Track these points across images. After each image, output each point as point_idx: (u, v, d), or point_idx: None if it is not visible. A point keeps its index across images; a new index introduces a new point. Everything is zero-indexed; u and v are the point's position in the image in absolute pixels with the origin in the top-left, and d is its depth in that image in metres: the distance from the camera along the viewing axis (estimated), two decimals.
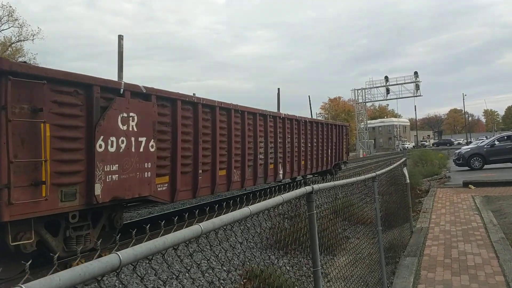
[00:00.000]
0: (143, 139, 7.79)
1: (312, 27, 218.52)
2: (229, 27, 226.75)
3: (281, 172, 14.91)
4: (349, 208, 6.00)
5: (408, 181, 8.37)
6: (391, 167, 6.67)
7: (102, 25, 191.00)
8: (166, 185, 8.71)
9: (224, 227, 1.95)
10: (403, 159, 8.53)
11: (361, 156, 69.49)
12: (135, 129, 7.61)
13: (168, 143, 8.76)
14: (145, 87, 8.04)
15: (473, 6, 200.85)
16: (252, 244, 8.27)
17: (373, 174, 5.25)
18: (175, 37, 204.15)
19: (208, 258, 3.77)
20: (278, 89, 27.56)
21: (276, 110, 17.95)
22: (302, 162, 17.22)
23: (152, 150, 7.99)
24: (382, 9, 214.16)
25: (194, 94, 10.27)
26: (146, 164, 7.82)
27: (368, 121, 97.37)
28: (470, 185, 15.08)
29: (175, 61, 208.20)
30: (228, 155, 11.16)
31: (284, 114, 15.70)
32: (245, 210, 2.10)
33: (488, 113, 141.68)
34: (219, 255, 5.92)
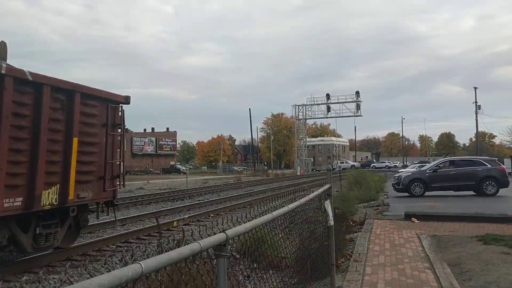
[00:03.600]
0: None
1: (259, 44, 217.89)
2: (177, 37, 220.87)
3: None
4: (261, 246, 4.57)
5: (331, 223, 5.10)
6: (280, 211, 3.22)
7: (44, 24, 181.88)
8: None
9: None
10: (326, 186, 5.26)
11: (298, 173, 67.34)
12: None
13: None
14: None
15: (411, 37, 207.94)
16: None
17: (216, 237, 1.86)
18: (120, 42, 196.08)
19: None
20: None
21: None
22: None
23: None
24: (326, 33, 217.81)
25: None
26: None
27: (308, 139, 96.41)
28: (413, 218, 12.25)
29: (118, 66, 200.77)
30: None
31: None
32: None
33: (423, 138, 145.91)
34: None
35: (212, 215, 14.36)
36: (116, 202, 9.27)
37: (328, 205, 5.07)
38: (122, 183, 9.09)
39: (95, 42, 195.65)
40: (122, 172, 9.13)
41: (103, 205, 8.93)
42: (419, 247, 8.76)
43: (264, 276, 6.34)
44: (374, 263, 7.55)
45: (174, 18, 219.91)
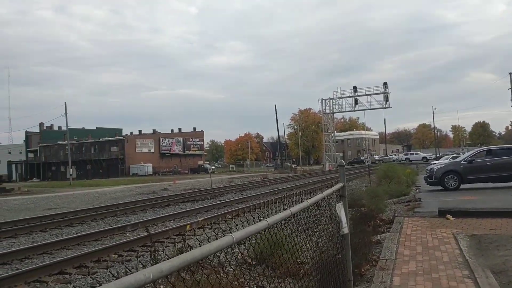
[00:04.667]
0: None
1: (284, 40, 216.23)
2: (201, 37, 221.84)
3: None
4: (278, 251, 4.39)
5: (345, 230, 4.15)
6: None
7: (72, 30, 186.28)
8: None
9: None
10: (338, 186, 4.30)
11: (327, 169, 65.95)
12: None
13: None
14: None
15: (439, 26, 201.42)
16: None
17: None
18: (147, 45, 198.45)
19: None
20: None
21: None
22: None
23: None
24: (352, 26, 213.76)
25: None
26: None
27: (337, 133, 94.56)
28: (448, 215, 11.08)
29: (146, 69, 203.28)
30: None
31: None
32: None
33: (456, 129, 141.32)
34: None
35: (230, 217, 13.53)
36: None
37: (340, 209, 4.12)
38: None
39: (122, 46, 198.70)
40: None
41: None
42: (456, 249, 7.66)
43: (281, 285, 5.46)
44: (403, 271, 6.53)
45: (198, 19, 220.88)
